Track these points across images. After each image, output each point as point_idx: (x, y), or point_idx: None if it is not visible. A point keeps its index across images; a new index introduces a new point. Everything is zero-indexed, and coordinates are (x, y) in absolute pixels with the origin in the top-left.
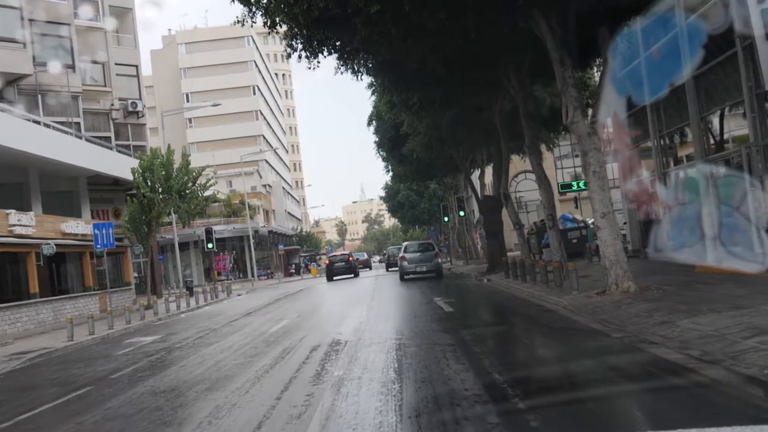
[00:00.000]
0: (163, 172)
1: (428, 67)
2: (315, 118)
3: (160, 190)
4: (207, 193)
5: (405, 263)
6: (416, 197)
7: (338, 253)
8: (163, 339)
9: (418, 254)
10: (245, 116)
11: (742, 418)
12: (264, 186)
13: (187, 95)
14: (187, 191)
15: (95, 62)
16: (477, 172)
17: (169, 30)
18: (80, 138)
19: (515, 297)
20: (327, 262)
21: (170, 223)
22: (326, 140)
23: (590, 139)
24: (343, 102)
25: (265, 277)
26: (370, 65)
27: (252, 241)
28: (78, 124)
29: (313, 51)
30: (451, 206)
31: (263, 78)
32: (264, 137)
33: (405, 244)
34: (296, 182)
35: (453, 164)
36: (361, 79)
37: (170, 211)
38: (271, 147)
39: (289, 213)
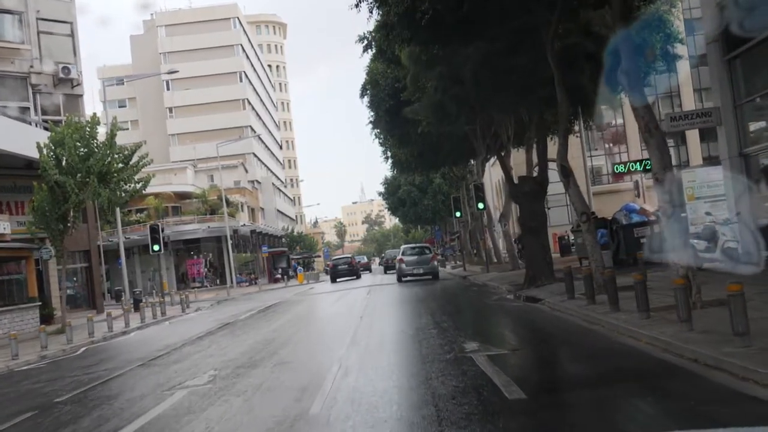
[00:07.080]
0: (83, 150)
1: None
2: (315, 119)
3: (79, 175)
4: (139, 175)
5: (403, 266)
6: (418, 193)
7: (341, 256)
8: None
9: (415, 257)
10: (231, 105)
11: None
12: (251, 182)
13: (167, 83)
14: (114, 174)
15: (6, 12)
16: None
17: (152, 15)
18: None
19: (640, 354)
20: (331, 265)
21: (137, 222)
22: (326, 141)
23: None
24: (343, 102)
25: (247, 284)
26: None
27: (230, 242)
28: None
29: None
30: (464, 199)
31: (252, 65)
32: (252, 128)
33: (402, 247)
34: (290, 180)
35: (467, 146)
36: None
37: (97, 201)
38: (255, 132)
39: (280, 212)
